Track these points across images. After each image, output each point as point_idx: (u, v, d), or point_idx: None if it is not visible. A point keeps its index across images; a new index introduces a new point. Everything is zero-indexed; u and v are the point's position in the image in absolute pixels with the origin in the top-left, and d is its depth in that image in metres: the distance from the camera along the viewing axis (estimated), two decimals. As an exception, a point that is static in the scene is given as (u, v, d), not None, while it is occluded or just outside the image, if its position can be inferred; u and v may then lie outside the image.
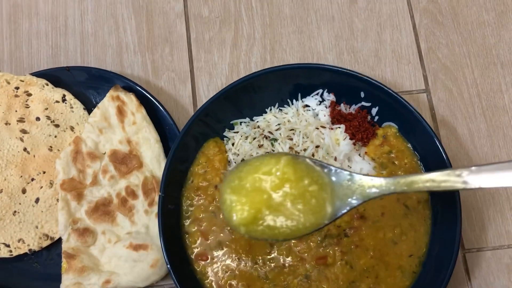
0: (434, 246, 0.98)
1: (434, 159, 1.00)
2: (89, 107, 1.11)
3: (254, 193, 0.71)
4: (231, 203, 0.73)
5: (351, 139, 1.04)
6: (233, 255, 0.97)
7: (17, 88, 1.08)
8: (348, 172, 0.74)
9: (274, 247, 0.97)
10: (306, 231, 0.71)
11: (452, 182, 0.67)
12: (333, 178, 0.73)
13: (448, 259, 0.93)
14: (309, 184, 0.71)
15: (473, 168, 0.64)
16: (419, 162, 1.04)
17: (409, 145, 1.05)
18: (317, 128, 1.04)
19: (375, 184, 0.72)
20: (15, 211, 1.02)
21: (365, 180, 0.72)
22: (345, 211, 0.72)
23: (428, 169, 1.02)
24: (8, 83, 1.08)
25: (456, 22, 1.23)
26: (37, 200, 1.03)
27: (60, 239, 1.02)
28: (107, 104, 1.07)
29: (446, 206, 0.96)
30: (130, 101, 1.07)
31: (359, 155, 1.04)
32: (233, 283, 0.96)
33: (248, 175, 0.74)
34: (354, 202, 0.72)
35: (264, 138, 1.03)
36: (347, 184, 0.72)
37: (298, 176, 0.72)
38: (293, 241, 0.96)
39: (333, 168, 0.75)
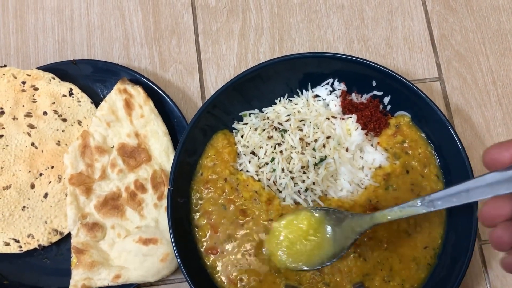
0: (449, 237, 0.96)
1: (448, 148, 0.98)
2: (97, 101, 1.10)
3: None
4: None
5: (363, 129, 1.01)
6: (243, 248, 0.96)
7: (24, 82, 1.07)
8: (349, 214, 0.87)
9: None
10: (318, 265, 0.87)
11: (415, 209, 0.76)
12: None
13: (464, 251, 0.91)
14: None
15: (426, 197, 0.73)
16: (433, 151, 1.01)
17: (422, 134, 1.02)
18: (328, 119, 1.02)
19: (362, 222, 0.84)
20: (24, 207, 1.01)
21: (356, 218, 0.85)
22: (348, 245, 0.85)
23: (443, 158, 1.00)
24: (15, 77, 1.07)
25: (470, 7, 1.20)
26: (45, 195, 1.02)
27: (69, 234, 1.01)
28: (114, 97, 1.06)
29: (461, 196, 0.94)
30: (138, 94, 1.06)
31: (372, 145, 1.02)
32: (243, 277, 0.95)
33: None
34: (353, 237, 0.85)
35: (274, 130, 1.01)
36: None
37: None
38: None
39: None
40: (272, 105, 1.07)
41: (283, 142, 1.00)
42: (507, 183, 0.58)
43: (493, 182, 0.60)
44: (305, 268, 0.87)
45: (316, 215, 0.88)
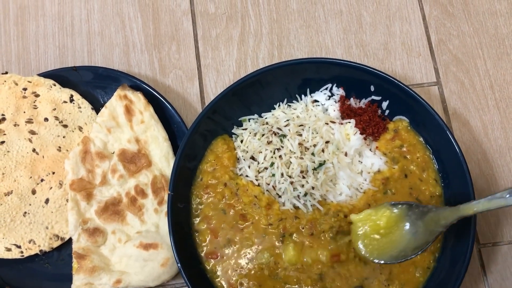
0: (448, 240, 0.96)
1: (447, 153, 0.98)
2: (97, 107, 1.10)
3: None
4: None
5: (361, 133, 1.02)
6: (243, 253, 0.96)
7: (25, 89, 1.08)
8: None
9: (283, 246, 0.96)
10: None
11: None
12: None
13: (463, 254, 0.91)
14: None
15: None
16: (431, 155, 1.02)
17: (421, 138, 1.03)
18: (327, 123, 1.03)
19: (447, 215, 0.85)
20: (25, 212, 1.02)
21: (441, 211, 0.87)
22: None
23: (442, 163, 1.00)
24: (16, 84, 1.08)
25: (467, 12, 1.21)
26: (47, 201, 1.03)
27: (70, 240, 1.02)
28: (115, 103, 1.06)
29: (460, 200, 0.94)
30: (138, 100, 1.06)
31: (370, 149, 1.03)
32: (243, 282, 0.95)
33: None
34: (438, 230, 0.86)
35: (273, 135, 1.02)
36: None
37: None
38: (307, 242, 0.96)
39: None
40: (271, 110, 1.08)
41: (282, 147, 1.00)
42: None
43: None
44: (385, 262, 0.88)
45: (396, 211, 0.89)
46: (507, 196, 0.75)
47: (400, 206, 0.89)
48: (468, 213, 0.82)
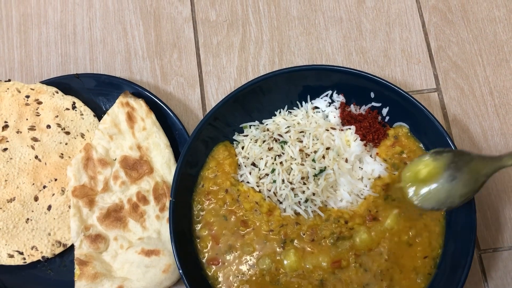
0: (449, 247, 0.97)
1: (447, 159, 0.98)
2: (99, 114, 1.11)
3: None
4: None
5: (362, 140, 1.03)
6: (244, 259, 0.97)
7: (27, 96, 1.09)
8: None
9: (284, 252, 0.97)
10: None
11: None
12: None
13: (464, 260, 0.91)
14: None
15: None
16: (431, 162, 1.02)
17: (421, 145, 1.04)
18: (327, 130, 1.03)
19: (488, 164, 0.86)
20: (28, 219, 1.02)
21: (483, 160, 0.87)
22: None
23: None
24: (19, 91, 1.09)
25: (466, 19, 1.22)
26: (49, 208, 1.03)
27: (72, 246, 1.02)
28: (117, 111, 1.07)
29: (461, 206, 0.95)
30: (140, 107, 1.07)
31: (371, 156, 1.03)
32: None
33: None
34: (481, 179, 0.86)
35: (274, 141, 1.02)
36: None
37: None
38: (308, 248, 0.96)
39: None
40: (272, 117, 1.09)
41: (283, 153, 1.01)
42: None
43: None
44: (435, 208, 0.90)
45: (439, 158, 0.90)
46: None
47: (444, 154, 0.90)
48: (508, 163, 0.83)
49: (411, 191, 0.91)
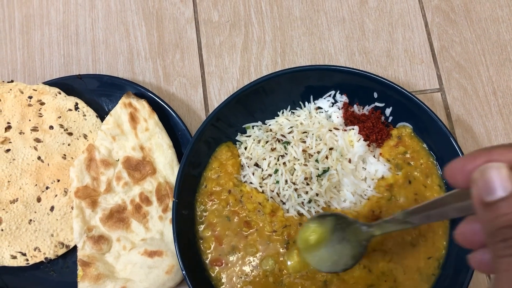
0: (453, 247, 0.96)
1: (450, 159, 0.97)
2: (102, 115, 1.11)
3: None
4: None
5: (365, 140, 1.02)
6: (247, 260, 0.97)
7: (30, 97, 1.09)
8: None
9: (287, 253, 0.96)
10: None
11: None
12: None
13: (468, 262, 0.91)
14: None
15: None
16: (435, 162, 1.02)
17: (424, 145, 1.03)
18: (330, 130, 1.03)
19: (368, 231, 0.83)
20: (30, 220, 1.02)
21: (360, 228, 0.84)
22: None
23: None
24: (22, 92, 1.09)
25: (469, 19, 1.21)
26: (52, 209, 1.03)
27: (75, 247, 1.02)
28: (119, 111, 1.07)
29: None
30: (142, 107, 1.07)
31: (374, 156, 1.03)
32: (248, 288, 0.95)
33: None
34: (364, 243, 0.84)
35: (277, 142, 1.02)
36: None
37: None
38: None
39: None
40: (275, 117, 1.09)
41: (286, 154, 1.01)
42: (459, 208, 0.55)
43: (462, 200, 0.56)
44: (330, 269, 0.88)
45: (323, 225, 0.87)
46: (405, 218, 0.72)
47: (328, 218, 0.88)
48: (375, 233, 0.80)
49: (307, 257, 0.88)
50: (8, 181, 1.04)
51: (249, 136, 1.07)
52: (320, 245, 0.87)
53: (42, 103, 1.09)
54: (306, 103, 1.09)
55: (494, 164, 0.49)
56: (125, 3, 1.25)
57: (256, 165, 1.03)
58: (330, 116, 1.07)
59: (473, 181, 0.50)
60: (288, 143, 1.01)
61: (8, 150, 1.05)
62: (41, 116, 1.08)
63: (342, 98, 1.07)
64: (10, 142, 1.06)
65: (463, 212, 0.57)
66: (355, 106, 1.07)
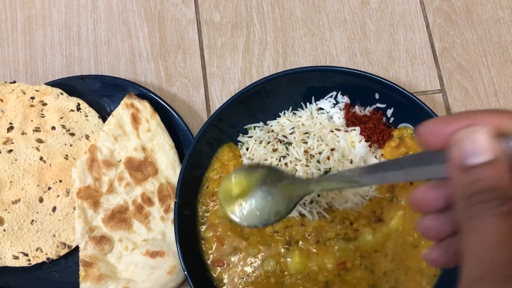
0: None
1: (452, 160, 0.98)
2: (104, 115, 1.11)
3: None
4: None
5: (366, 141, 1.03)
6: (249, 261, 0.97)
7: (32, 98, 1.09)
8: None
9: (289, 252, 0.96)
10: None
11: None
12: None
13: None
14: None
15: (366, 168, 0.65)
16: (436, 163, 1.02)
17: (426, 146, 1.03)
18: (332, 131, 1.03)
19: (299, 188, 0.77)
20: (32, 220, 1.02)
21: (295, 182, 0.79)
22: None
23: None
24: (24, 93, 1.09)
25: (471, 20, 1.21)
26: (54, 209, 1.04)
27: (77, 247, 1.02)
28: (121, 112, 1.07)
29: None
30: (144, 108, 1.07)
31: (375, 157, 1.03)
32: (250, 289, 0.95)
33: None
34: (295, 200, 0.78)
35: (279, 142, 1.02)
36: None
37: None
38: (313, 249, 0.95)
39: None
40: (277, 118, 1.09)
41: (287, 154, 1.01)
42: (441, 166, 0.51)
43: (427, 164, 0.53)
44: (250, 224, 0.82)
45: (251, 176, 0.82)
46: (353, 176, 0.64)
47: (259, 169, 0.83)
48: (314, 189, 0.74)
49: (227, 209, 0.83)
50: (11, 182, 1.04)
51: (251, 136, 1.07)
52: (242, 198, 0.82)
53: (44, 104, 1.09)
54: (308, 104, 1.09)
55: (480, 127, 0.47)
56: (127, 4, 1.25)
57: (258, 165, 1.03)
58: (331, 117, 1.07)
59: (455, 143, 0.48)
60: (290, 144, 1.01)
61: (10, 151, 1.05)
62: (43, 117, 1.08)
63: (344, 99, 1.07)
64: (12, 143, 1.06)
65: (425, 175, 0.54)
66: (356, 107, 1.07)
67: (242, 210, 0.81)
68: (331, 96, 1.08)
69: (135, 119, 1.07)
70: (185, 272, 0.92)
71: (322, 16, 1.23)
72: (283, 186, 0.80)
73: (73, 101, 1.10)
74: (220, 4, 1.24)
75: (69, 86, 1.12)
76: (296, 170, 0.99)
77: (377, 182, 0.63)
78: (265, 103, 1.07)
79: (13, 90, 1.09)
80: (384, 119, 1.06)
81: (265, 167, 0.83)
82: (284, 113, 1.09)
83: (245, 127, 1.08)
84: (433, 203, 0.55)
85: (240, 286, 0.96)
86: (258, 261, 0.97)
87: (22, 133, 1.07)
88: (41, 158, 1.06)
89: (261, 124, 1.08)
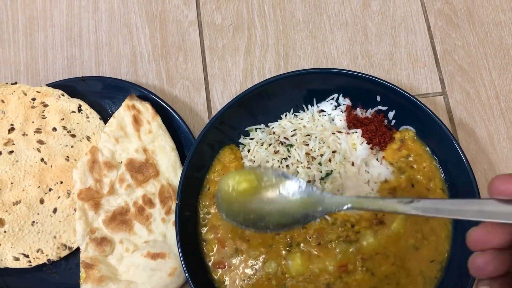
0: (455, 250, 0.96)
1: (453, 162, 0.98)
2: (105, 117, 1.11)
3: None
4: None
5: (368, 143, 1.03)
6: (250, 263, 0.97)
7: (33, 99, 1.09)
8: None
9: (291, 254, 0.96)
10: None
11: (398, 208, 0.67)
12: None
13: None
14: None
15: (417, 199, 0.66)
16: (438, 165, 1.02)
17: (427, 148, 1.03)
18: (333, 133, 1.03)
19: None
20: (33, 222, 1.02)
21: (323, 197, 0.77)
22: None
23: (448, 172, 1.01)
24: (25, 94, 1.09)
25: (472, 23, 1.22)
26: (55, 210, 1.03)
27: (78, 249, 1.02)
28: (123, 113, 1.07)
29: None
30: (146, 110, 1.07)
31: (377, 159, 1.03)
32: (251, 291, 0.95)
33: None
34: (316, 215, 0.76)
35: (280, 144, 1.02)
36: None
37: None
38: (314, 251, 0.95)
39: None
40: (278, 120, 1.09)
41: (289, 156, 1.01)
42: (506, 213, 0.58)
43: (493, 209, 0.59)
44: (238, 225, 0.80)
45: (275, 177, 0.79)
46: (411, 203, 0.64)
47: (279, 177, 0.78)
48: (346, 206, 0.72)
49: (222, 204, 0.81)
50: (11, 183, 1.04)
51: (252, 138, 1.07)
52: (244, 201, 0.79)
53: (46, 105, 1.09)
54: (309, 106, 1.09)
55: None
56: (128, 6, 1.26)
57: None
58: (333, 119, 1.07)
59: None
60: (291, 146, 1.01)
61: (11, 152, 1.05)
62: (44, 118, 1.08)
63: (345, 101, 1.07)
64: (13, 144, 1.06)
65: (482, 217, 0.60)
66: (358, 109, 1.07)
67: (239, 214, 0.79)
68: (332, 99, 1.08)
69: (136, 121, 1.07)
70: (186, 274, 0.92)
71: (323, 19, 1.23)
72: (305, 200, 0.76)
73: (74, 103, 1.10)
74: (222, 6, 1.25)
75: (70, 87, 1.12)
76: (298, 172, 0.99)
77: (431, 213, 0.66)
78: (267, 105, 1.07)
79: (14, 91, 1.09)
80: (386, 121, 1.06)
81: (285, 176, 0.78)
82: (286, 115, 1.09)
83: (246, 129, 1.08)
84: (496, 241, 0.60)
85: (241, 288, 0.96)
86: (259, 263, 0.97)
87: (23, 134, 1.07)
88: (42, 160, 1.06)
89: (262, 126, 1.08)
